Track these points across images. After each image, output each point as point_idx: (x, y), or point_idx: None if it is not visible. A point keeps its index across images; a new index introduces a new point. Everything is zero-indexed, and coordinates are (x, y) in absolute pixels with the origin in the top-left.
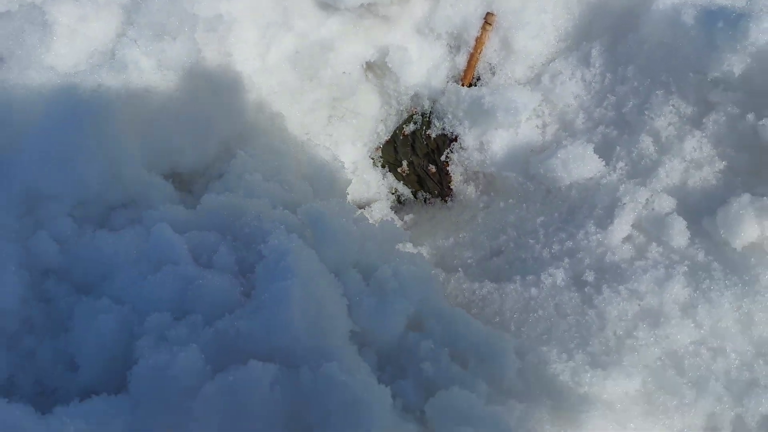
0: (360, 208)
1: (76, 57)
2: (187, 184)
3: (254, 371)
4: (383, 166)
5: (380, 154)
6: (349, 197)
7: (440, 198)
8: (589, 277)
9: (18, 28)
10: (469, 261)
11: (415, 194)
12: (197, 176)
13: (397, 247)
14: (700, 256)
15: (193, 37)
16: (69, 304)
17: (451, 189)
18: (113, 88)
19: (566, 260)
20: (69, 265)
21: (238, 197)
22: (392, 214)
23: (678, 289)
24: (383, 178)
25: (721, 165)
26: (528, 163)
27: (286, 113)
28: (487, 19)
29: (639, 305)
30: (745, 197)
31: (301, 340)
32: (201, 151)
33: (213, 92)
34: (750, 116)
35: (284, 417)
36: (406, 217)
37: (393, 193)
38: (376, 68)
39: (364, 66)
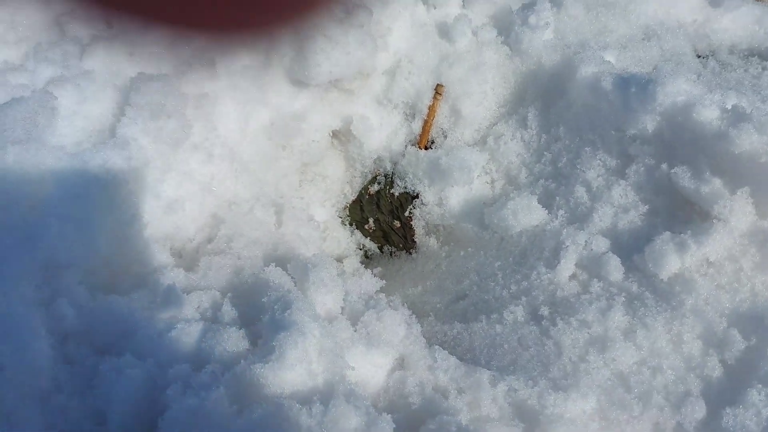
0: None
1: (78, 136)
2: (178, 249)
3: (277, 408)
4: (351, 224)
5: (348, 213)
6: (320, 252)
7: (405, 251)
8: (545, 311)
9: (32, 111)
10: (437, 306)
11: (381, 249)
12: (188, 241)
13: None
14: (635, 287)
15: (184, 114)
16: (92, 364)
17: (415, 242)
18: (117, 163)
19: (523, 298)
20: (87, 329)
21: (233, 258)
22: (362, 269)
23: (619, 317)
24: (351, 236)
25: (644, 208)
26: (482, 214)
27: (263, 179)
28: (438, 90)
29: (588, 333)
30: (666, 235)
31: (312, 378)
32: (193, 218)
33: (201, 163)
34: (664, 166)
35: None
36: (375, 271)
37: (361, 249)
38: (342, 135)
39: (331, 134)
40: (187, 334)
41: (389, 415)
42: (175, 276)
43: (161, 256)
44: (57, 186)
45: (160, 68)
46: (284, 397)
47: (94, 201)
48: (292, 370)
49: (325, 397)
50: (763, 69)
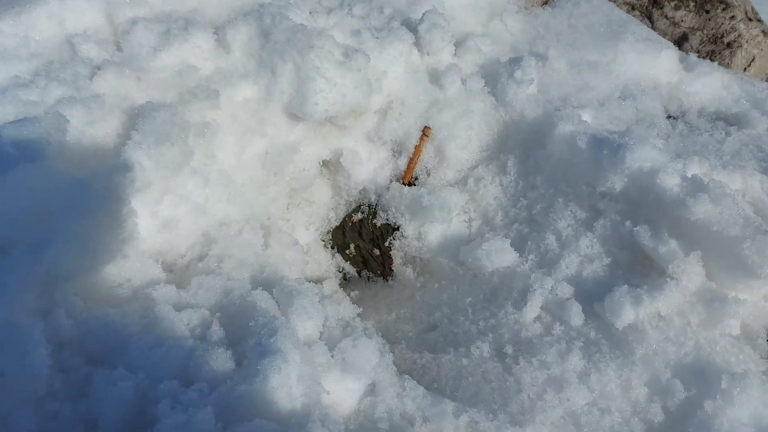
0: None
1: (84, 155)
2: (169, 265)
3: (258, 427)
4: (333, 248)
5: (330, 237)
6: (303, 274)
7: (382, 277)
8: (509, 349)
9: (46, 131)
10: (409, 334)
11: (359, 273)
12: (179, 257)
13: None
14: (592, 333)
15: (187, 142)
16: (85, 373)
17: (393, 270)
18: (121, 183)
19: (490, 335)
20: (81, 339)
21: (222, 278)
22: (340, 291)
23: (576, 361)
24: (332, 258)
25: (607, 260)
26: (458, 251)
27: (254, 202)
28: (425, 132)
29: (547, 373)
30: (624, 288)
31: (292, 401)
32: (186, 237)
33: (198, 186)
34: (628, 223)
35: None
36: (352, 293)
37: (340, 271)
38: (331, 165)
39: (321, 163)
40: (177, 351)
41: None
42: (167, 292)
43: (154, 272)
44: (63, 203)
45: (166, 96)
46: (266, 418)
47: (97, 219)
48: (274, 393)
49: (301, 419)
50: (727, 134)
